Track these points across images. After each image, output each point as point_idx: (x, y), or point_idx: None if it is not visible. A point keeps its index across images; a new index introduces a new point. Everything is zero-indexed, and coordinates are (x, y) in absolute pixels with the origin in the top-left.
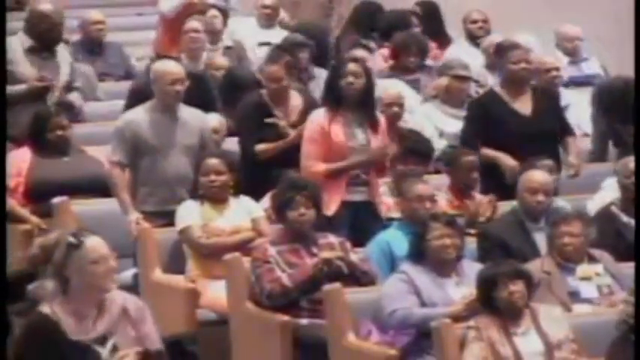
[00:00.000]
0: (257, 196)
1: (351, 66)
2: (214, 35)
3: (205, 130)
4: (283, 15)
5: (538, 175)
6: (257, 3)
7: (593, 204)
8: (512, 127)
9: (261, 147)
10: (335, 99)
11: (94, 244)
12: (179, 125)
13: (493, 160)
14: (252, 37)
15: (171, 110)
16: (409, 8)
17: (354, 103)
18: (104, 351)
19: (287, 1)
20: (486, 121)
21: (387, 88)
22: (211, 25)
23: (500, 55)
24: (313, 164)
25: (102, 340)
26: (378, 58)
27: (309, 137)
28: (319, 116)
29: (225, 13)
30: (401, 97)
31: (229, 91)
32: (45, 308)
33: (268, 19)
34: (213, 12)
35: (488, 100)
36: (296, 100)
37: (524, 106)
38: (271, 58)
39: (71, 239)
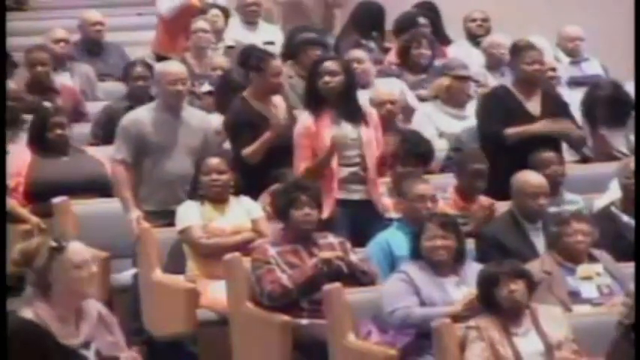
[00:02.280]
0: (253, 197)
1: (327, 64)
2: (216, 34)
3: (208, 131)
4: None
5: (535, 178)
6: (240, 2)
7: (601, 204)
8: (521, 125)
9: (246, 151)
10: (315, 99)
11: (77, 248)
12: (182, 126)
13: (523, 134)
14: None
15: (175, 110)
16: (413, 10)
17: (336, 100)
18: (90, 354)
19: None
20: (502, 111)
21: (378, 87)
22: (213, 25)
23: (514, 55)
24: (298, 166)
25: (86, 344)
26: (392, 56)
27: (296, 141)
28: (305, 118)
29: (226, 13)
30: (392, 94)
31: (224, 94)
32: (27, 313)
33: (253, 17)
34: (214, 11)
35: (503, 95)
36: (279, 99)
37: (534, 107)
38: (273, 55)
39: (53, 244)
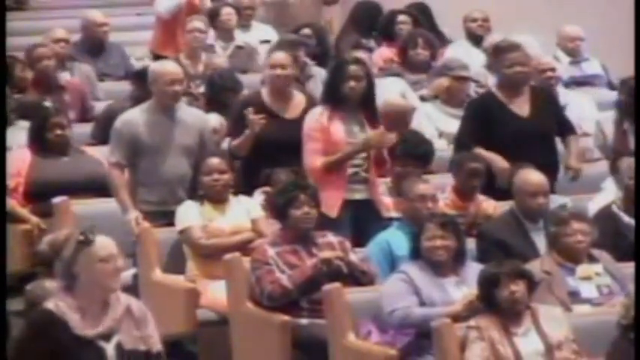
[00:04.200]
0: (246, 195)
1: (353, 69)
2: (227, 34)
3: (205, 130)
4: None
5: (535, 177)
6: (235, 5)
7: (595, 204)
8: (509, 129)
9: (234, 143)
10: (336, 100)
11: (104, 242)
12: (178, 125)
13: (487, 161)
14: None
15: (170, 110)
16: (402, 9)
17: (355, 103)
18: (109, 347)
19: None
20: (484, 121)
21: (392, 101)
22: (226, 24)
23: (496, 57)
24: (313, 160)
25: (107, 336)
26: (377, 57)
27: (308, 134)
28: (318, 113)
29: (239, 12)
30: (409, 111)
31: (214, 94)
32: (49, 304)
33: (248, 20)
34: (228, 10)
35: (486, 101)
36: (298, 97)
37: (521, 107)
38: (277, 47)
39: (81, 237)
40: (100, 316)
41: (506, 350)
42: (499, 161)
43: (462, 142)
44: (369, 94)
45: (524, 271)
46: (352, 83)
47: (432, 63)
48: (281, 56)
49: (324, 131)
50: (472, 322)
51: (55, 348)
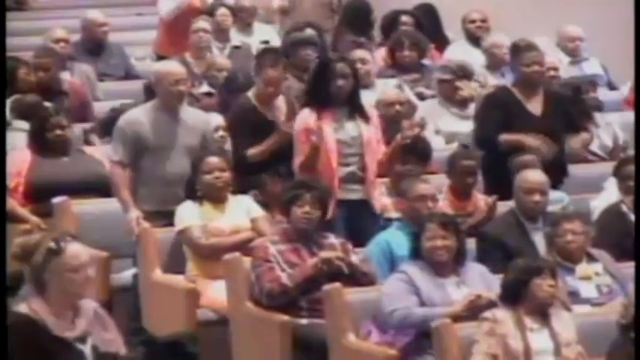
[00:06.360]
0: None
1: (340, 67)
2: (224, 34)
3: (207, 130)
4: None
5: (533, 175)
6: (237, 10)
7: (598, 203)
8: (522, 126)
9: (252, 151)
10: (322, 99)
11: (75, 251)
12: (181, 125)
13: (517, 144)
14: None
15: (174, 110)
16: (405, 9)
17: (342, 100)
18: (86, 349)
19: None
20: (502, 114)
21: (386, 88)
22: (222, 24)
23: (514, 55)
24: (295, 162)
25: (82, 338)
26: (378, 58)
27: (295, 136)
28: (306, 115)
29: (234, 12)
30: (401, 96)
31: (227, 93)
32: (21, 307)
33: (249, 24)
34: (223, 10)
35: (504, 96)
36: (280, 100)
37: (535, 106)
38: (271, 62)
39: (52, 244)
40: (74, 319)
41: (518, 344)
42: (529, 140)
43: (486, 134)
44: (355, 91)
45: (556, 274)
46: (340, 82)
47: (425, 63)
48: (276, 74)
49: (309, 133)
50: (488, 314)
51: (36, 350)
